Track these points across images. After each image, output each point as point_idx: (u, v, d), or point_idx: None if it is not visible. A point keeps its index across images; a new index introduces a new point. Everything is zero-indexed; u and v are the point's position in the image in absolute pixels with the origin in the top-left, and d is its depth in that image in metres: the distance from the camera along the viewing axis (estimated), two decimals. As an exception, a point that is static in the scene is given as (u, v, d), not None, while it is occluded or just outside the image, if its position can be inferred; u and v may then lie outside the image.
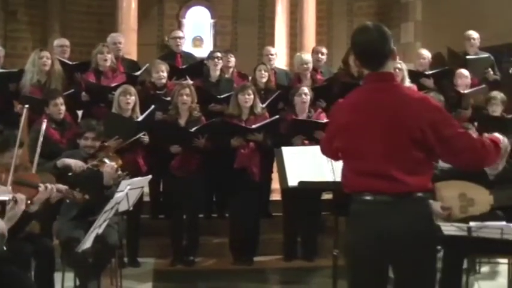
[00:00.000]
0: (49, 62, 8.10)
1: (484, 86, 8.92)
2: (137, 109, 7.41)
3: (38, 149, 5.74)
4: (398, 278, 3.69)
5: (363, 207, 3.62)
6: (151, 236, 7.94)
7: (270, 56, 9.56)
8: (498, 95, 8.25)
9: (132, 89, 7.43)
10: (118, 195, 5.42)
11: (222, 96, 8.23)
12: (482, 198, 5.82)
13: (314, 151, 5.15)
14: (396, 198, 3.55)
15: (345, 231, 3.82)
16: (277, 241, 7.98)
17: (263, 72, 8.54)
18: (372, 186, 3.58)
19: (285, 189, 7.21)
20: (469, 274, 6.63)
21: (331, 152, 3.98)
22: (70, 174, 6.14)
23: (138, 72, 8.65)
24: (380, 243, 3.56)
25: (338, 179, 4.82)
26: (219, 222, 8.36)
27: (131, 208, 6.09)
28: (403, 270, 3.67)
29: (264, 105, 7.96)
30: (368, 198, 3.59)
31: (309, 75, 8.88)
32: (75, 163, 6.26)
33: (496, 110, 8.08)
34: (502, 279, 6.73)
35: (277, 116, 7.56)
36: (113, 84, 7.94)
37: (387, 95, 3.66)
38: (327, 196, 7.67)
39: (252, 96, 7.53)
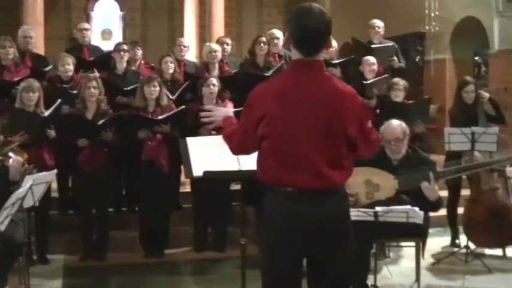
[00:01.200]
0: None
1: (386, 75, 9.06)
2: (41, 104, 7.23)
3: None
4: (319, 270, 3.69)
5: (285, 200, 3.55)
6: (60, 232, 7.82)
7: (183, 48, 9.54)
8: (400, 81, 8.40)
9: (36, 85, 7.22)
10: (19, 191, 5.31)
11: (128, 89, 8.15)
12: (387, 183, 5.93)
13: (219, 141, 5.15)
14: (320, 193, 3.53)
15: (262, 223, 3.78)
16: (187, 233, 7.99)
17: (169, 64, 8.51)
18: (297, 180, 3.52)
19: (193, 180, 7.34)
20: (378, 258, 6.76)
21: (246, 144, 3.75)
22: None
23: (47, 68, 8.45)
24: (302, 236, 3.55)
25: (243, 168, 4.90)
26: (129, 216, 8.31)
27: (37, 204, 5.97)
28: (325, 262, 3.67)
29: (174, 97, 7.94)
30: (290, 190, 3.53)
31: (217, 65, 8.87)
32: (-23, 159, 6.12)
33: (399, 95, 8.22)
34: (410, 263, 6.85)
35: (183, 107, 7.53)
36: (16, 79, 7.73)
37: (321, 87, 3.56)
38: (236, 187, 7.69)
39: (157, 88, 7.49)
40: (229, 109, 7.10)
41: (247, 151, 3.89)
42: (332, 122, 3.52)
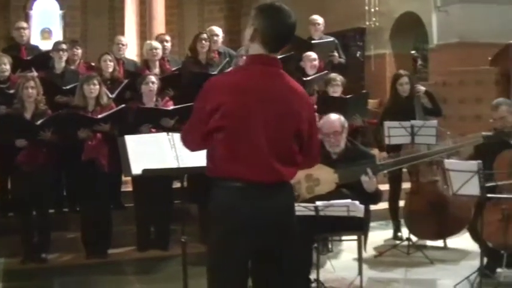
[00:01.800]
0: None
1: (326, 71, 9.10)
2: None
3: None
4: (268, 266, 3.68)
5: (235, 194, 3.52)
6: (0, 235, 7.68)
7: (121, 46, 9.44)
8: (337, 76, 8.45)
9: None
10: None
11: (67, 88, 8.04)
12: (327, 177, 5.95)
13: (158, 138, 5.13)
14: (271, 187, 3.53)
15: (209, 220, 3.70)
16: (130, 232, 7.92)
17: (108, 62, 8.43)
18: (250, 173, 3.49)
19: (135, 179, 7.30)
20: (320, 253, 6.79)
21: (200, 138, 3.62)
22: None
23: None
24: (253, 230, 3.53)
25: (182, 165, 4.88)
26: (70, 217, 8.19)
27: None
28: (275, 256, 3.66)
29: (113, 96, 7.87)
30: (240, 184, 3.50)
31: (158, 63, 8.83)
32: None
33: (337, 91, 8.28)
34: (353, 256, 6.90)
35: (123, 106, 7.45)
36: None
37: (279, 83, 3.59)
38: (178, 184, 7.66)
39: (97, 86, 7.40)
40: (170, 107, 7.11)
41: (197, 144, 3.75)
42: (287, 117, 3.55)
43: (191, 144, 3.79)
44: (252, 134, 3.49)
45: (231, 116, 3.47)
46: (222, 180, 3.56)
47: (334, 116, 6.26)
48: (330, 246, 7.67)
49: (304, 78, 8.65)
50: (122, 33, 14.71)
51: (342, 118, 6.27)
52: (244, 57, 8.17)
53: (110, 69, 8.42)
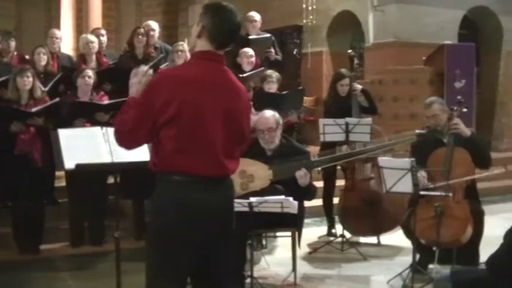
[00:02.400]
0: None
1: (263, 68, 9.09)
2: None
3: None
4: (207, 260, 3.72)
5: (179, 188, 3.56)
6: None
7: (55, 39, 9.26)
8: (273, 73, 8.45)
9: None
10: None
11: (-1, 80, 7.87)
12: (262, 173, 5.98)
13: (92, 133, 5.07)
14: (215, 181, 3.61)
15: (151, 215, 3.75)
16: (63, 228, 7.79)
17: (41, 55, 8.29)
18: (197, 168, 3.55)
19: (69, 174, 7.20)
20: (255, 249, 6.80)
21: (145, 134, 3.59)
22: None
23: None
24: (198, 223, 3.57)
25: (116, 160, 4.83)
26: (1, 212, 7.97)
27: None
28: (215, 250, 3.72)
29: (46, 89, 7.74)
30: (185, 178, 3.55)
31: (94, 56, 8.72)
32: None
33: (272, 88, 8.28)
34: (287, 252, 6.90)
35: (57, 99, 7.34)
36: None
37: (225, 79, 3.69)
38: (112, 180, 7.58)
39: (31, 79, 7.26)
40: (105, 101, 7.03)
41: (137, 139, 3.69)
42: (235, 113, 3.67)
43: (132, 142, 3.72)
44: (204, 129, 3.55)
45: (185, 110, 3.51)
46: (169, 175, 3.58)
47: (269, 113, 6.27)
48: (264, 242, 7.69)
49: (241, 75, 8.63)
50: (58, 27, 14.50)
51: (277, 115, 6.29)
52: (184, 53, 8.20)
53: (43, 63, 8.27)
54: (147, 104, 3.56)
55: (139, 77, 3.82)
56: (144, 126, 3.56)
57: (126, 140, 3.69)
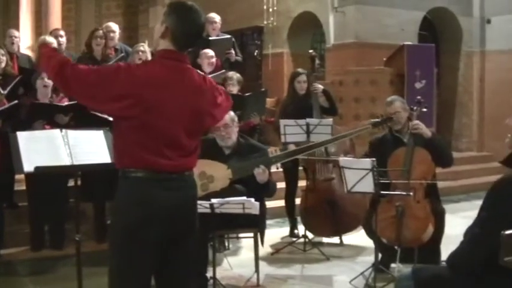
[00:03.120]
0: None
1: (224, 70, 9.10)
2: None
3: None
4: (171, 256, 3.73)
5: (146, 184, 3.57)
6: None
7: (14, 39, 9.16)
8: (234, 75, 8.47)
9: None
10: None
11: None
12: (221, 173, 5.98)
13: (51, 135, 5.00)
14: (178, 177, 3.64)
15: (114, 213, 3.75)
16: (23, 232, 7.69)
17: (0, 56, 8.18)
18: (158, 163, 3.56)
19: (28, 177, 7.12)
20: (218, 250, 6.80)
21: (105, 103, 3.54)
22: None
23: None
24: (164, 220, 3.58)
25: (76, 162, 4.78)
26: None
27: None
28: (178, 251, 3.74)
29: (5, 92, 7.64)
30: (151, 175, 3.56)
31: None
32: None
33: (233, 90, 8.29)
34: (250, 254, 6.90)
35: (16, 101, 7.24)
36: None
37: (189, 77, 3.70)
38: (73, 183, 7.51)
39: (-12, 81, 7.19)
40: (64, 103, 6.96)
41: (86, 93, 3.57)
42: (195, 110, 3.69)
43: (76, 89, 3.59)
44: (166, 125, 3.56)
45: (147, 107, 3.51)
46: (132, 171, 3.59)
47: None
48: (226, 243, 7.69)
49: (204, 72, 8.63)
50: (17, 27, 14.34)
51: (232, 113, 6.29)
52: (145, 53, 8.15)
53: (3, 64, 8.13)
54: (107, 80, 3.49)
55: None
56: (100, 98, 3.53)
57: (73, 87, 3.59)
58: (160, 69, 3.63)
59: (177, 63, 3.67)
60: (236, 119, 6.37)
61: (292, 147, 7.30)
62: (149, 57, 8.13)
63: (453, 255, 3.52)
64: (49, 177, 6.49)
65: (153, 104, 3.50)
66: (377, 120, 6.56)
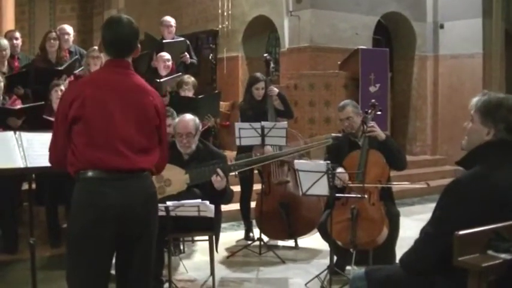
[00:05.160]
0: None
1: (180, 73, 9.10)
2: None
3: None
4: (127, 256, 3.83)
5: (94, 185, 3.67)
6: None
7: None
8: (189, 78, 8.50)
9: None
10: None
11: None
12: (179, 177, 5.97)
13: (4, 137, 4.93)
14: (127, 176, 3.72)
15: (69, 217, 3.79)
16: (-25, 236, 7.58)
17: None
18: (106, 161, 3.67)
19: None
20: (173, 254, 6.78)
21: (63, 137, 3.79)
22: None
23: None
24: (117, 219, 3.66)
25: (30, 165, 4.73)
26: None
27: None
28: (134, 245, 3.81)
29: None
30: (100, 174, 3.67)
31: (6, 61, 8.54)
32: None
33: (188, 94, 8.30)
34: (205, 257, 6.89)
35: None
36: None
37: (130, 80, 3.91)
38: (27, 186, 7.43)
39: None
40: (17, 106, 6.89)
41: (59, 149, 3.88)
42: (141, 110, 3.85)
43: (58, 152, 3.87)
44: (112, 125, 3.71)
45: (90, 107, 3.70)
46: (83, 172, 3.69)
47: (189, 117, 6.28)
48: (182, 247, 7.67)
49: (158, 80, 8.60)
50: (-31, 31, 14.17)
51: (197, 120, 6.31)
52: (100, 59, 8.12)
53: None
54: (60, 112, 3.83)
55: None
56: (61, 130, 3.80)
57: (54, 156, 3.94)
58: (101, 74, 3.97)
59: (119, 69, 3.89)
60: (200, 127, 6.38)
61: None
62: (103, 61, 8.07)
63: (406, 255, 3.56)
64: (1, 180, 6.40)
65: (92, 102, 3.70)
66: (338, 135, 6.56)
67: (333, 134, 6.54)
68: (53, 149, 3.90)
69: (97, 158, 3.66)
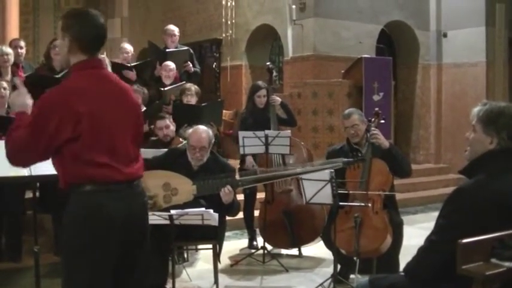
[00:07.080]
0: None
1: (184, 82, 9.12)
2: None
3: None
4: (123, 264, 3.72)
5: (91, 198, 3.54)
6: None
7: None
8: (192, 86, 8.52)
9: None
10: None
11: None
12: (186, 187, 5.96)
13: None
14: (127, 185, 3.64)
15: (68, 227, 3.63)
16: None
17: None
18: (104, 174, 3.54)
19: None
20: (177, 262, 6.77)
21: (34, 153, 3.52)
22: None
23: None
24: (119, 230, 3.57)
25: (34, 173, 4.74)
26: None
27: None
28: (130, 255, 3.74)
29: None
30: (96, 187, 3.53)
31: (9, 69, 8.56)
32: None
33: (191, 101, 8.31)
34: (209, 265, 6.90)
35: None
36: None
37: (112, 82, 3.73)
38: (31, 194, 7.44)
39: None
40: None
41: (29, 160, 3.70)
42: (132, 113, 3.75)
43: (24, 162, 3.73)
44: (109, 136, 3.57)
45: (85, 123, 3.47)
46: (81, 186, 3.55)
47: (203, 130, 6.31)
48: (185, 255, 7.66)
49: (162, 88, 8.63)
50: (-27, 38, 14.24)
51: (210, 132, 6.33)
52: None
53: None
54: (39, 126, 3.47)
55: (20, 89, 3.79)
56: (37, 148, 3.50)
57: (17, 160, 3.63)
58: (80, 80, 3.59)
59: (95, 70, 3.65)
60: (213, 140, 6.40)
61: (249, 159, 7.36)
62: (108, 67, 8.11)
63: (410, 263, 3.56)
64: (5, 188, 6.40)
65: (93, 117, 3.48)
66: (350, 160, 6.52)
67: (344, 160, 6.46)
68: (18, 154, 3.56)
69: (91, 173, 3.51)
